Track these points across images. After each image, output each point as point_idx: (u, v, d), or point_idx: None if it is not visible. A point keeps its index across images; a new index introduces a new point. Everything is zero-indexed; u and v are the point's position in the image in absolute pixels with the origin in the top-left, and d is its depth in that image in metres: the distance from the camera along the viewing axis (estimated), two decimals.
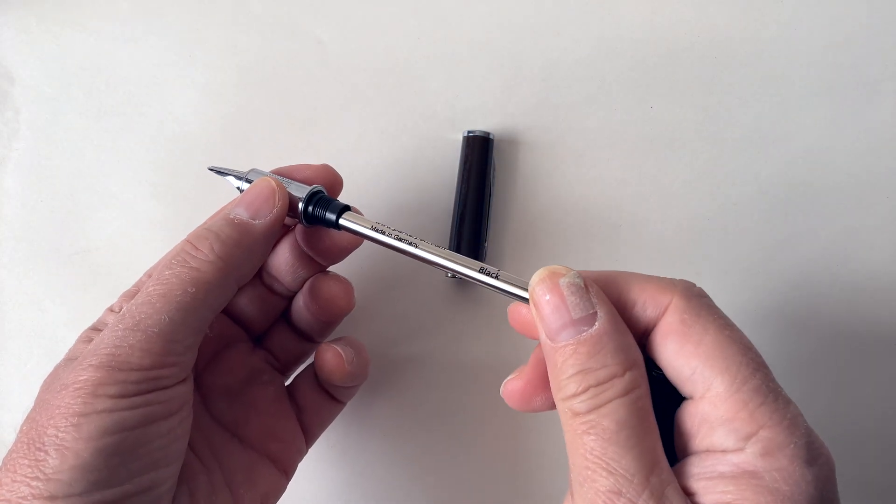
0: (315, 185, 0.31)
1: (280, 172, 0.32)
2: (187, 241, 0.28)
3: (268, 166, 0.33)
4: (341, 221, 0.30)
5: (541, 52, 0.40)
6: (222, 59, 0.41)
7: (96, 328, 0.29)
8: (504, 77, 0.40)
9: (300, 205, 0.30)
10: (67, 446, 0.23)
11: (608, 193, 0.39)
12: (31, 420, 0.25)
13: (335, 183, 0.33)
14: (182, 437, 0.27)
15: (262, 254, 0.30)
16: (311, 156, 0.40)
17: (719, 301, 0.25)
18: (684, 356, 0.23)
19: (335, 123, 0.40)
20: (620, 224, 0.39)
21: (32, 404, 0.26)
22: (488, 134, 0.39)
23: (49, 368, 0.27)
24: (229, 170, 0.32)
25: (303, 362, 0.36)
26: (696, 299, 0.24)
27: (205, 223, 0.30)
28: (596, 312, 0.23)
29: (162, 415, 0.25)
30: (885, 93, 0.40)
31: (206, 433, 0.31)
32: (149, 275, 0.31)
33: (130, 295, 0.30)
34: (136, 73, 0.41)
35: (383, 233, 0.29)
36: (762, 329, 0.38)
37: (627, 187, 0.39)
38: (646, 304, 0.24)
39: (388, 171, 0.40)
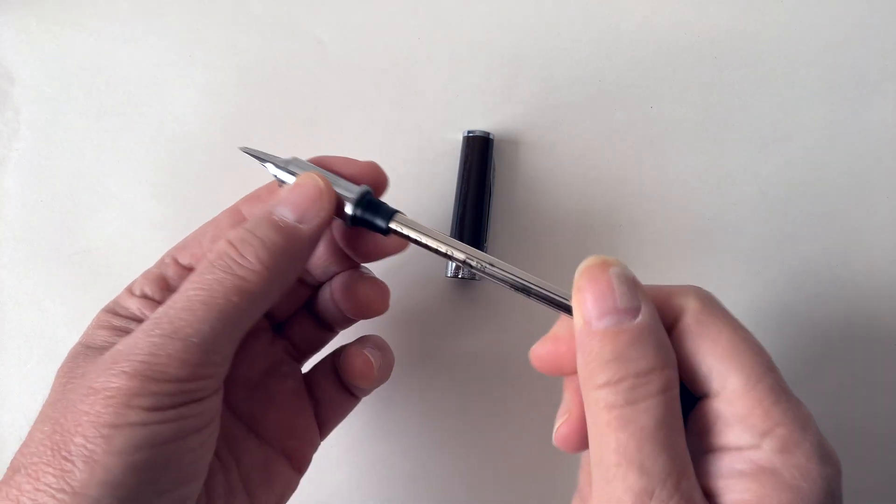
0: (363, 186, 0.29)
1: (322, 164, 0.30)
2: (230, 243, 0.26)
3: None
4: (392, 225, 0.28)
5: (541, 52, 0.40)
6: (222, 59, 0.41)
7: (115, 312, 0.28)
8: (504, 77, 0.40)
9: (348, 206, 0.28)
10: (97, 459, 0.22)
11: (608, 193, 0.39)
12: (54, 421, 0.23)
13: (381, 183, 0.31)
14: (210, 449, 0.26)
15: (306, 259, 0.28)
16: (310, 156, 0.40)
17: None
18: (700, 354, 0.23)
19: (335, 123, 0.40)
20: (620, 224, 0.39)
21: (48, 395, 0.25)
22: (488, 134, 0.39)
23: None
24: (268, 155, 0.30)
25: (319, 350, 0.35)
26: (710, 301, 0.24)
27: (247, 217, 0.29)
28: (641, 308, 0.23)
29: (194, 428, 0.24)
30: (885, 93, 0.40)
31: (224, 428, 0.29)
32: (172, 257, 0.30)
33: (152, 276, 0.29)
34: (136, 73, 0.41)
35: (436, 239, 0.27)
36: (762, 329, 0.38)
37: (627, 187, 0.39)
38: (661, 310, 0.24)
39: (389, 171, 0.39)
